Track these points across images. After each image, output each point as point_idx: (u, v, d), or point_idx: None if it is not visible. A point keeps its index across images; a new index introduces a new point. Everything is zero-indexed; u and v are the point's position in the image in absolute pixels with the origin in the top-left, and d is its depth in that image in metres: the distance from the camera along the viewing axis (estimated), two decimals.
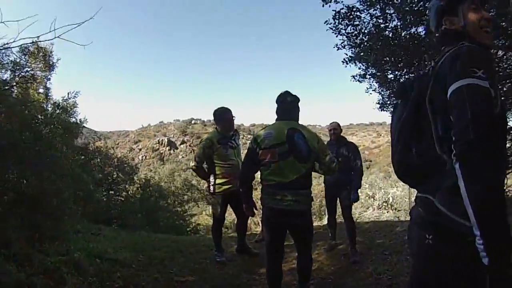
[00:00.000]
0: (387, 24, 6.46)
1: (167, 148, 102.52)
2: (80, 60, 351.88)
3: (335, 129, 5.08)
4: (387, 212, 16.30)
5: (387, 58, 6.60)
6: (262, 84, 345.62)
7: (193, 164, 4.76)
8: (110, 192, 10.22)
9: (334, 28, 6.91)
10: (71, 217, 4.73)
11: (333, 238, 5.46)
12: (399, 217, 14.63)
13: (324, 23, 6.82)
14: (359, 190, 4.81)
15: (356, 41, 6.90)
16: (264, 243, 3.35)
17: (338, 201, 5.13)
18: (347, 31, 6.89)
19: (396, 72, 7.17)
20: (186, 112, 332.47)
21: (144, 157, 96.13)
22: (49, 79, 8.69)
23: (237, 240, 5.36)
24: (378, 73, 7.35)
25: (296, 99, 3.37)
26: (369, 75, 7.55)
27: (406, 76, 6.88)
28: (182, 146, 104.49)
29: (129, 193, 10.84)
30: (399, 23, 6.27)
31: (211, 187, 4.73)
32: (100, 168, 10.19)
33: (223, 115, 4.80)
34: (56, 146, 4.83)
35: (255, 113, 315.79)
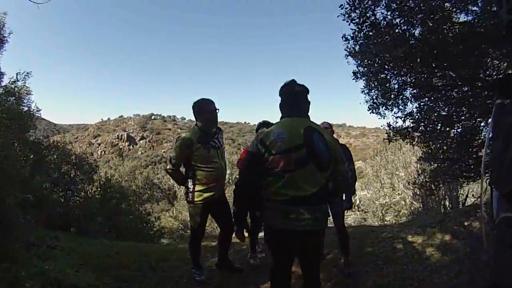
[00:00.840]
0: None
1: (127, 143, 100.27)
2: (38, 47, 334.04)
3: (327, 128, 4.49)
4: (354, 213, 16.33)
5: (387, 56, 6.05)
6: (231, 78, 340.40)
7: (168, 167, 4.03)
8: (68, 192, 9.22)
9: (346, 15, 6.24)
10: (19, 229, 3.91)
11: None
12: (365, 219, 14.95)
13: (339, 7, 6.20)
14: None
15: (364, 32, 6.33)
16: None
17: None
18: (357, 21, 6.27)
19: (386, 73, 6.69)
20: (146, 107, 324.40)
21: (103, 152, 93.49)
22: None
23: (218, 253, 4.63)
24: (371, 71, 6.83)
25: (305, 89, 2.75)
26: (360, 73, 7.06)
27: (402, 79, 6.52)
28: (141, 141, 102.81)
29: (88, 193, 9.86)
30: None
31: (190, 195, 4.02)
32: (56, 165, 9.15)
33: (205, 107, 4.03)
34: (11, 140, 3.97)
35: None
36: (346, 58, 6.99)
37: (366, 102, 7.49)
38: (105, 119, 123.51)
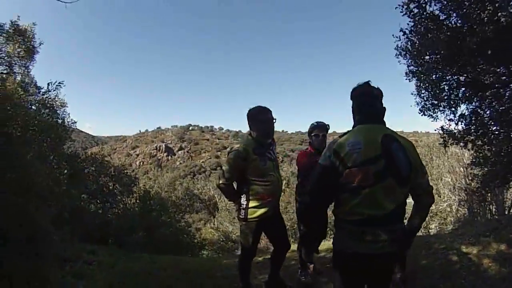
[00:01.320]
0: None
1: (165, 154, 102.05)
2: (73, 63, 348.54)
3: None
4: None
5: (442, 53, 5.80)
6: (266, 88, 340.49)
7: (221, 182, 3.57)
8: (106, 204, 9.05)
9: (405, 6, 5.96)
10: (52, 247, 3.60)
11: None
12: None
13: None
14: None
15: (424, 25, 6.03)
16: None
17: None
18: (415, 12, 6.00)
19: (439, 72, 6.47)
20: (183, 118, 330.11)
21: (141, 163, 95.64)
22: (28, 68, 7.01)
23: (270, 270, 4.06)
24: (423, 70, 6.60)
25: (381, 92, 2.35)
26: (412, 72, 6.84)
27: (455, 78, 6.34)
28: (179, 152, 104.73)
29: (128, 205, 9.66)
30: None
31: (242, 212, 3.55)
32: (94, 178, 9.01)
33: (261, 116, 3.58)
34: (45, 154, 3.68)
35: None
36: (397, 58, 6.73)
37: (417, 104, 7.22)
38: (143, 130, 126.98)
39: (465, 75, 6.21)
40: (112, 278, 4.32)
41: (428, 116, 7.14)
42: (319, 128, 4.20)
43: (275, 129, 3.72)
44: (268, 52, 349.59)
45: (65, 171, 7.06)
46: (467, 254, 4.57)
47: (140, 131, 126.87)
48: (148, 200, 10.15)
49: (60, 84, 6.65)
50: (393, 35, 6.59)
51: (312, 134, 4.19)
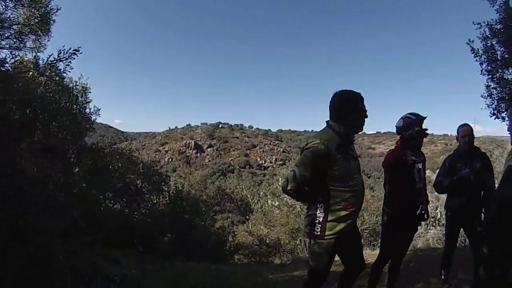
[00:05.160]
0: None
1: (194, 151, 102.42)
2: (105, 56, 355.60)
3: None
4: (434, 228, 14.37)
5: None
6: (300, 89, 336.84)
7: (290, 187, 2.56)
8: (134, 204, 8.22)
9: None
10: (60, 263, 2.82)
11: (446, 282, 4.12)
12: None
13: None
14: None
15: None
16: None
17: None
18: None
19: None
20: (213, 115, 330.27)
21: (170, 160, 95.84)
22: (42, 44, 5.81)
23: None
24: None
25: None
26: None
27: None
28: (209, 150, 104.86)
29: (157, 206, 8.80)
30: None
31: (318, 227, 2.59)
32: (121, 174, 8.17)
33: (362, 104, 2.69)
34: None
35: (283, 119, 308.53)
36: (475, 55, 6.86)
37: (488, 106, 7.21)
38: (172, 127, 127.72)
39: None
40: None
41: (499, 118, 7.18)
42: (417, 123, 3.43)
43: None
44: (302, 49, 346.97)
45: (84, 167, 6.17)
46: None
47: (169, 127, 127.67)
48: (180, 200, 9.34)
49: (76, 52, 5.07)
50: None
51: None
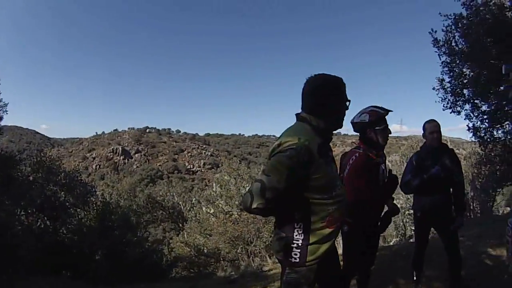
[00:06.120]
0: None
1: (122, 157, 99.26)
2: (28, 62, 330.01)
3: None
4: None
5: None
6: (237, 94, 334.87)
7: (257, 204, 1.79)
8: (57, 222, 7.26)
9: None
10: None
11: (418, 283, 4.10)
12: None
13: None
14: None
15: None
16: None
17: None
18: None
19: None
20: (141, 120, 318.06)
21: (98, 167, 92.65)
22: None
23: None
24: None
25: None
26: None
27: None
28: (136, 155, 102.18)
29: (84, 220, 7.88)
30: None
31: (297, 252, 1.98)
32: (41, 186, 7.17)
33: (338, 89, 2.08)
34: None
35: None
36: (435, 45, 7.01)
37: (442, 100, 7.40)
38: (99, 132, 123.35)
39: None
40: None
41: (454, 112, 7.29)
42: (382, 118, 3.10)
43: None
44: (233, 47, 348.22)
45: None
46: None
47: (96, 133, 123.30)
48: (109, 214, 8.37)
49: None
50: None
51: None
